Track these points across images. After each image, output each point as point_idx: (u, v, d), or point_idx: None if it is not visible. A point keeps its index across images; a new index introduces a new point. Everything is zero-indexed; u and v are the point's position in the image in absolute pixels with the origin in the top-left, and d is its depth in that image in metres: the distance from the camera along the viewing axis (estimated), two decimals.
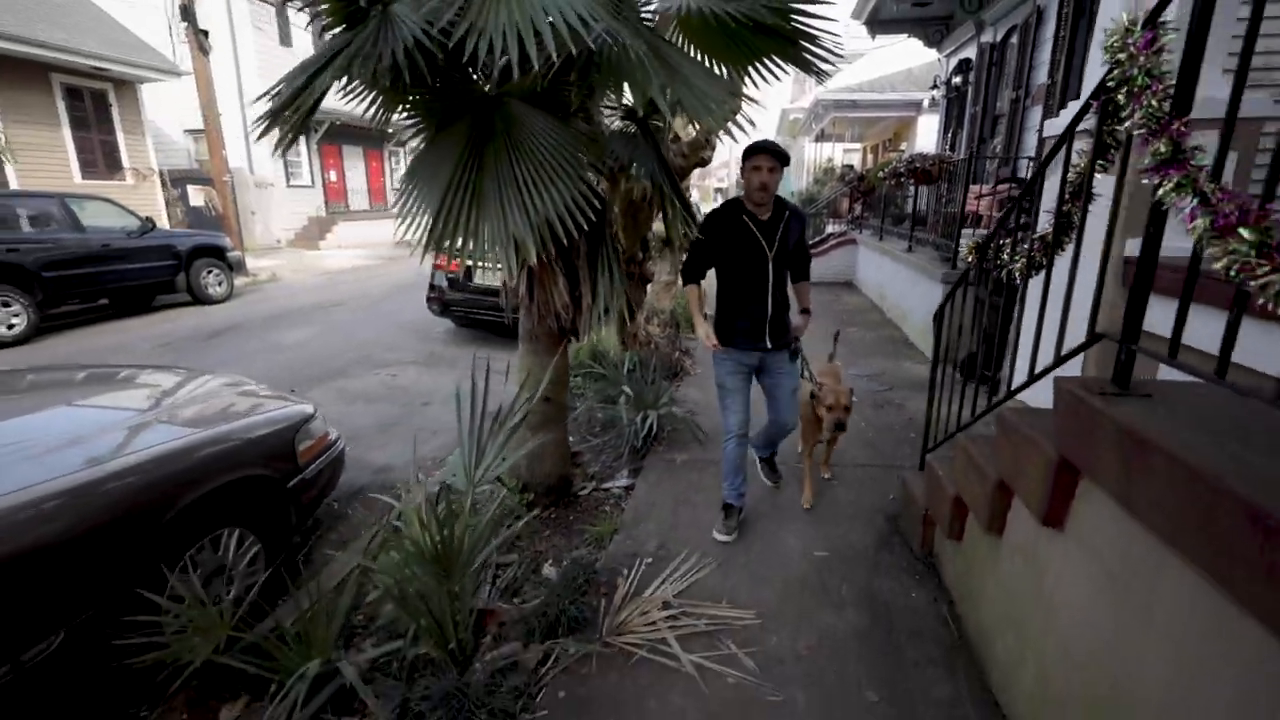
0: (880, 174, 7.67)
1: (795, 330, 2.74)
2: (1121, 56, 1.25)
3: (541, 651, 2.03)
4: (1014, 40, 7.67)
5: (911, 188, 6.90)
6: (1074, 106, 2.44)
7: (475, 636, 2.04)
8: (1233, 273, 0.96)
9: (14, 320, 6.15)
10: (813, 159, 18.69)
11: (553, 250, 2.25)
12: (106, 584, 1.80)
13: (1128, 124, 1.23)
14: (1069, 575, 1.49)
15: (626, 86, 2.22)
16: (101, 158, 11.07)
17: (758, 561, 2.56)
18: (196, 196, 13.22)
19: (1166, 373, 1.28)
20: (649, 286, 5.51)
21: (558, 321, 2.80)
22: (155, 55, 11.46)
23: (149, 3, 13.45)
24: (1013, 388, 1.95)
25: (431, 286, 6.32)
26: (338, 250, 14.51)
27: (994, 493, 1.75)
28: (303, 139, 11.08)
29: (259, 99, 2.24)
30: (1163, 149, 1.10)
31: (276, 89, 2.21)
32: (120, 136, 11.36)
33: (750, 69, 2.63)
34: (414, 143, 2.55)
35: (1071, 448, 1.39)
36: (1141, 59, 1.21)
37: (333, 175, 16.01)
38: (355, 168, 16.80)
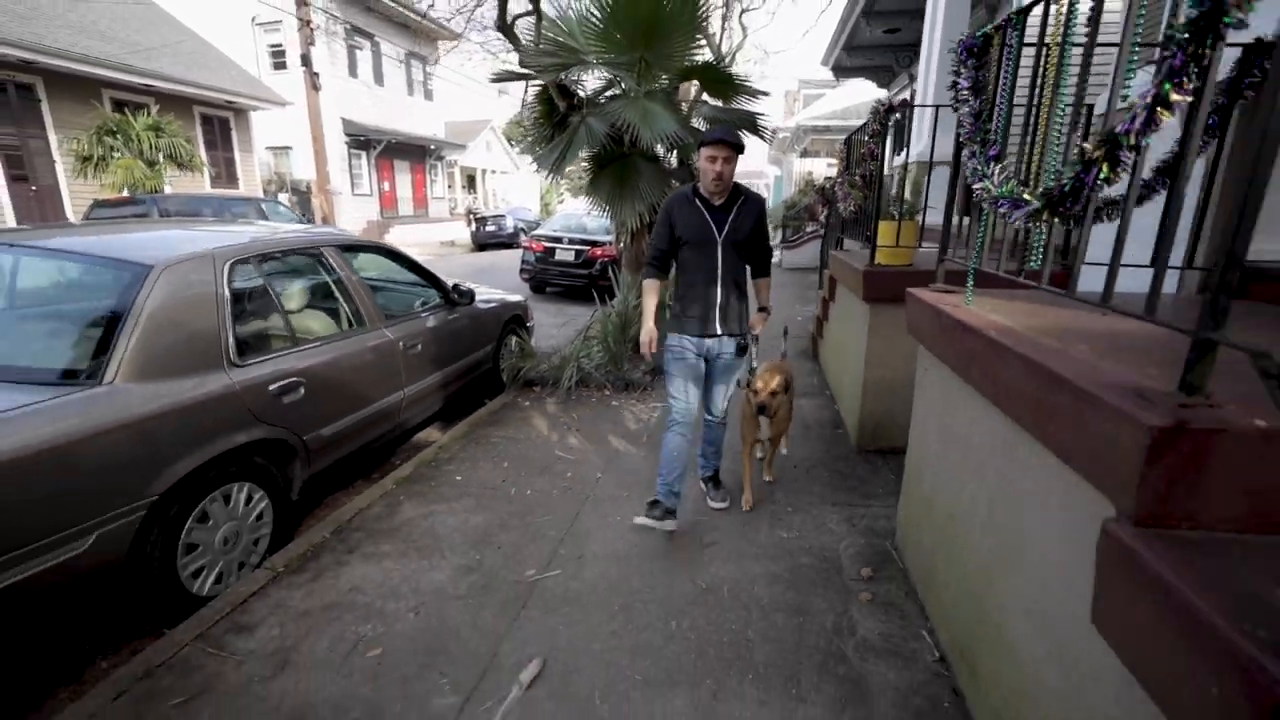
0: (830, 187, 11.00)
1: (750, 326, 2.76)
2: (857, 147, 4.53)
3: (650, 375, 5.24)
4: None
5: None
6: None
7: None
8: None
9: None
10: (799, 172, 22.14)
11: (647, 220, 5.47)
12: (489, 341, 4.97)
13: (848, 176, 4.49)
14: (836, 319, 4.73)
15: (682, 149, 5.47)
16: (224, 171, 14.32)
17: None
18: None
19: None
20: None
21: (641, 257, 6.04)
22: (267, 89, 14.77)
23: (246, 46, 16.85)
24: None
25: (523, 262, 9.57)
26: None
27: (823, 298, 5.00)
28: (364, 154, 14.77)
29: (549, 176, 5.39)
30: (849, 187, 4.37)
31: (542, 157, 5.40)
32: (237, 154, 14.64)
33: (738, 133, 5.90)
34: (576, 171, 5.80)
35: (834, 272, 4.64)
36: (860, 153, 4.48)
37: (386, 186, 19.32)
38: (403, 179, 20.13)
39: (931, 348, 2.15)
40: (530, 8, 5.05)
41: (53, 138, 10.95)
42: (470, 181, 27.33)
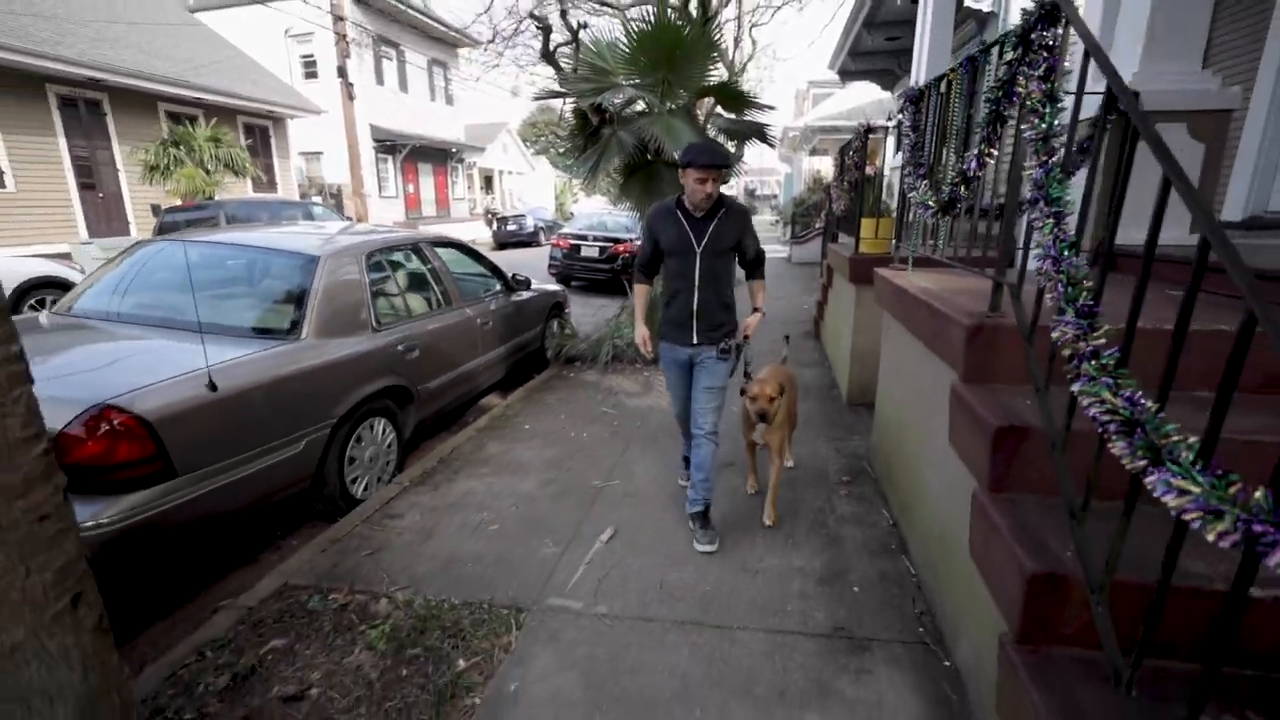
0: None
1: (745, 328, 2.83)
2: (846, 157, 5.40)
3: None
4: None
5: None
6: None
7: None
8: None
9: None
10: (808, 170, 22.93)
11: None
12: (538, 324, 5.87)
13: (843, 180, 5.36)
14: (833, 301, 5.60)
15: None
16: (265, 177, 15.37)
17: None
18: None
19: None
20: None
21: None
22: (303, 99, 15.81)
23: (279, 57, 17.92)
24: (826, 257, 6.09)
25: (552, 259, 10.50)
26: None
27: (823, 285, 5.87)
28: (390, 158, 15.80)
29: (586, 181, 6.33)
30: (843, 188, 5.24)
31: (578, 163, 6.32)
32: (275, 160, 15.70)
33: (745, 142, 6.77)
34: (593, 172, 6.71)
35: (830, 259, 5.51)
36: (849, 163, 5.35)
37: (411, 188, 20.36)
38: (427, 181, 21.18)
39: (888, 309, 3.03)
40: (569, 38, 5.95)
41: (117, 149, 12.02)
42: (488, 182, 28.36)
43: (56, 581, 1.16)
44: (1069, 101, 1.68)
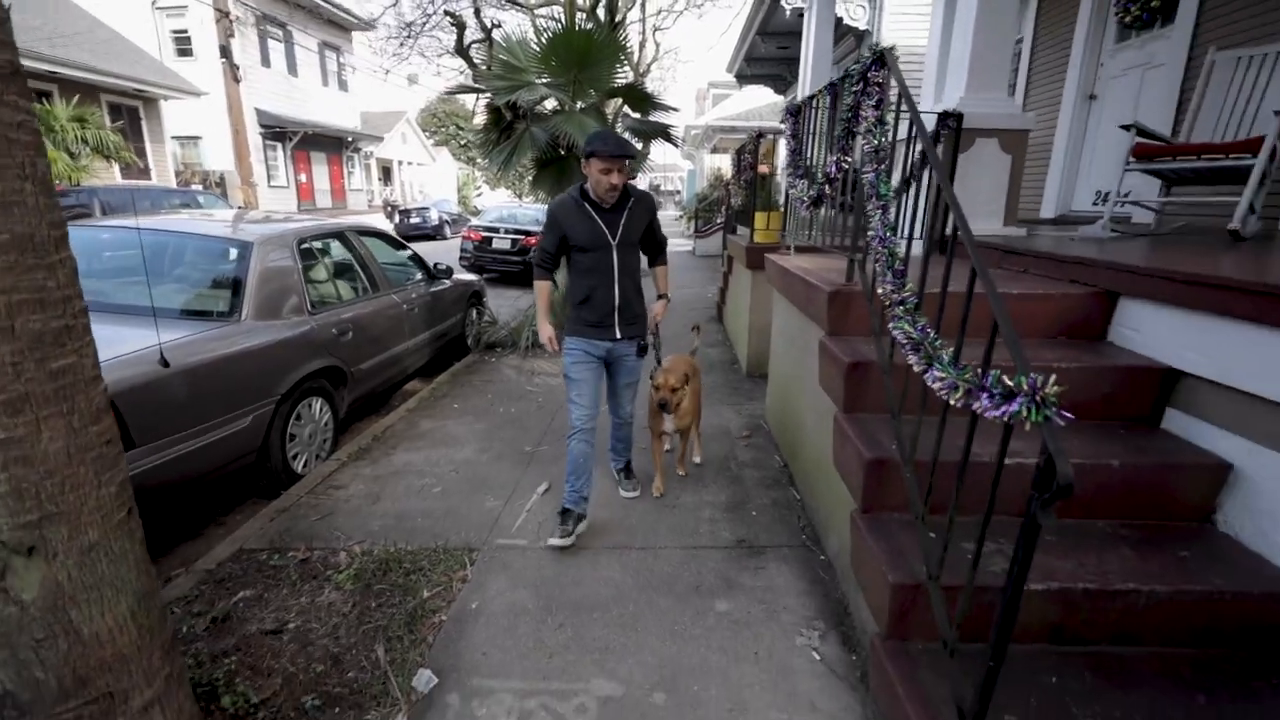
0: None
1: (654, 316, 2.86)
2: (742, 158, 6.02)
3: None
4: None
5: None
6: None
7: None
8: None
9: None
10: (710, 167, 23.99)
11: None
12: (458, 312, 6.11)
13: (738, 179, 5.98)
14: (733, 286, 6.24)
15: None
16: (139, 162, 14.18)
17: None
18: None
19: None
20: None
21: None
22: (180, 79, 14.71)
23: (146, 31, 16.51)
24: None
25: (463, 250, 10.58)
26: None
27: (724, 273, 6.50)
28: (279, 146, 15.21)
29: (480, 179, 6.58)
30: (740, 185, 5.85)
31: (492, 156, 6.57)
32: (148, 145, 14.52)
33: (651, 141, 7.29)
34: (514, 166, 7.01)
35: (730, 249, 6.13)
36: (744, 164, 5.97)
37: (303, 177, 19.38)
38: (320, 171, 20.21)
39: (777, 287, 3.62)
40: (483, 35, 6.18)
41: None
42: (386, 173, 27.36)
43: (118, 494, 1.43)
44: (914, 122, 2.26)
